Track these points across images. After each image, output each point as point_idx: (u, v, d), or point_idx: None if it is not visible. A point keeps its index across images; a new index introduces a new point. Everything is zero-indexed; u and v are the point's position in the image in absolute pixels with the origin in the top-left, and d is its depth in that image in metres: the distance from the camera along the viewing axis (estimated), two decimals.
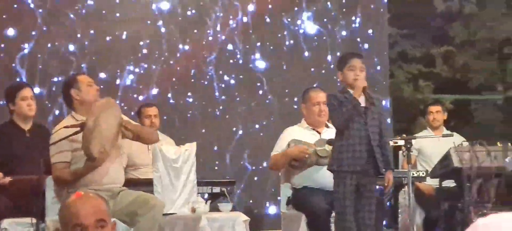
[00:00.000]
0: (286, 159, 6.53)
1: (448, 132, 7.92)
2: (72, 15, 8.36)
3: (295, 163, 6.51)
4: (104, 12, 8.50)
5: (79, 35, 8.37)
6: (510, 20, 11.37)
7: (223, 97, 8.81)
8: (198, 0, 8.78)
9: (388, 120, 9.49)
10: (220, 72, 8.82)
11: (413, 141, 6.93)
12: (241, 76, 8.89)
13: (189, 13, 8.76)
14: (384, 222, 7.68)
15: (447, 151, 7.30)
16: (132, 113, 7.76)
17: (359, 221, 5.74)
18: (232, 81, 8.86)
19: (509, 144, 7.45)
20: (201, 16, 8.79)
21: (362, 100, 5.69)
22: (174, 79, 8.66)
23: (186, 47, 8.70)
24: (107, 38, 8.49)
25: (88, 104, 5.71)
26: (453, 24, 11.77)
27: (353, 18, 9.32)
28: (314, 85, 7.01)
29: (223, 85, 8.82)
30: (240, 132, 8.85)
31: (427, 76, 11.53)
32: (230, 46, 8.85)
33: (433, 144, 7.93)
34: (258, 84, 8.92)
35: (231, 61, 8.85)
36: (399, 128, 10.92)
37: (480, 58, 12.05)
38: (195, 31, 8.75)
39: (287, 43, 9.04)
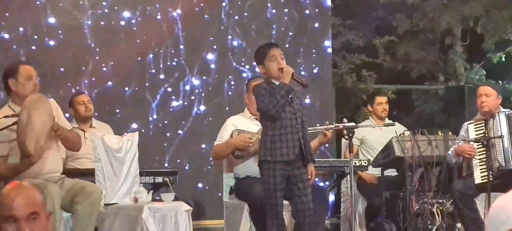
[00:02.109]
0: (229, 148, 6.52)
1: (390, 122, 8.00)
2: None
3: (238, 152, 6.50)
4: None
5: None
6: (451, 11, 11.50)
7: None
8: None
9: (330, 111, 9.57)
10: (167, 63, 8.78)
11: (356, 131, 6.97)
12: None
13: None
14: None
15: (389, 140, 7.38)
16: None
17: (299, 213, 5.74)
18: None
19: (450, 133, 7.55)
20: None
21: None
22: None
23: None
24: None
25: (24, 97, 5.63)
26: (396, 14, 11.86)
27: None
28: (257, 76, 6.98)
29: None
30: (184, 122, 8.83)
31: (370, 67, 11.60)
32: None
33: (375, 134, 8.00)
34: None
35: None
36: (342, 117, 10.98)
37: (422, 48, 12.17)
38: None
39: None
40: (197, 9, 8.92)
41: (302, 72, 9.26)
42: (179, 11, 8.84)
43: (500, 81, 11.52)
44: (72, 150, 6.34)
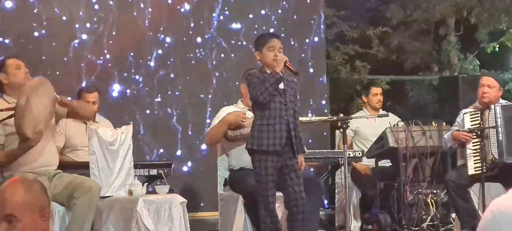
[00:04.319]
0: (223, 126, 6.53)
1: (384, 112, 8.01)
2: None
3: (231, 133, 6.51)
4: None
5: None
6: (445, 1, 11.51)
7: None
8: None
9: (324, 102, 9.57)
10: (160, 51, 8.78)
11: (350, 122, 6.98)
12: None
13: None
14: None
15: (383, 131, 7.39)
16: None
17: (292, 203, 5.75)
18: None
19: (444, 123, 7.56)
20: None
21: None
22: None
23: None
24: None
25: (18, 87, 5.66)
26: (389, 5, 11.87)
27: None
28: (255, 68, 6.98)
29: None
30: (177, 112, 8.82)
31: (364, 57, 11.61)
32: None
33: (369, 125, 8.01)
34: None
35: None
36: (336, 108, 11.00)
37: (416, 39, 12.19)
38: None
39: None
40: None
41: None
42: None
43: (493, 71, 11.53)
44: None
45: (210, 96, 8.86)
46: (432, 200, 7.47)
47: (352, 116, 7.96)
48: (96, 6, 8.50)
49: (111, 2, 8.55)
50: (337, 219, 8.07)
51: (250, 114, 6.44)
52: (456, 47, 12.11)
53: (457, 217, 7.04)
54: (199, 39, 8.92)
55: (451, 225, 7.53)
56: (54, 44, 8.33)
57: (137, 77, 8.66)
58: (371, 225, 7.46)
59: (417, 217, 7.24)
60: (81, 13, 8.44)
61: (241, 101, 6.81)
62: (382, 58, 11.99)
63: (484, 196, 6.53)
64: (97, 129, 6.33)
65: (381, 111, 8.19)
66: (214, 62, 8.95)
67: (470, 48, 12.23)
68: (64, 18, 8.37)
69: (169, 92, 8.77)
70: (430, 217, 7.43)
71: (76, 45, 8.41)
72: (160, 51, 8.76)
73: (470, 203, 6.80)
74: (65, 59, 8.35)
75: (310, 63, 9.48)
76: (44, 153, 5.65)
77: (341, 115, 6.87)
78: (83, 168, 6.20)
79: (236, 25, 9.11)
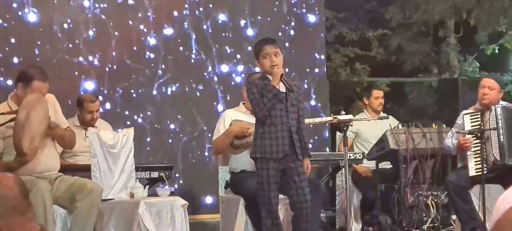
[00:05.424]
0: (229, 137, 6.54)
1: (384, 115, 8.02)
2: None
3: (237, 141, 6.53)
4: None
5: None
6: (444, 3, 11.51)
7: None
8: None
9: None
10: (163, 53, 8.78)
11: (350, 123, 6.98)
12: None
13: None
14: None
15: (383, 133, 7.40)
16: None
17: (296, 206, 5.76)
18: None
19: (444, 125, 7.57)
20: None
21: (281, 87, 5.70)
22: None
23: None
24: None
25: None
26: (388, 7, 11.88)
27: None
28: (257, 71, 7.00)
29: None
30: (179, 116, 8.83)
31: (363, 60, 11.61)
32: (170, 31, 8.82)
33: (370, 127, 8.02)
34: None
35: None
36: (337, 111, 11.00)
37: (415, 41, 12.20)
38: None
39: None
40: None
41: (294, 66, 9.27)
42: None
43: (493, 73, 11.54)
44: (66, 148, 6.40)
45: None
46: (433, 202, 7.48)
47: (353, 118, 7.96)
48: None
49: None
50: (338, 221, 8.08)
51: (252, 121, 6.46)
52: (455, 49, 12.13)
53: (457, 218, 7.04)
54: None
55: (452, 226, 7.54)
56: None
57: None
58: (372, 227, 7.46)
59: (417, 219, 7.25)
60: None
61: (243, 104, 6.83)
62: (382, 60, 12.00)
63: (484, 198, 6.54)
64: (98, 132, 6.35)
65: (382, 114, 8.20)
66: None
67: (470, 50, 12.24)
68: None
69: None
70: (430, 219, 7.43)
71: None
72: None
73: (470, 205, 6.80)
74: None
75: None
76: (44, 158, 5.65)
77: (343, 112, 6.89)
78: (84, 171, 6.21)
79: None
